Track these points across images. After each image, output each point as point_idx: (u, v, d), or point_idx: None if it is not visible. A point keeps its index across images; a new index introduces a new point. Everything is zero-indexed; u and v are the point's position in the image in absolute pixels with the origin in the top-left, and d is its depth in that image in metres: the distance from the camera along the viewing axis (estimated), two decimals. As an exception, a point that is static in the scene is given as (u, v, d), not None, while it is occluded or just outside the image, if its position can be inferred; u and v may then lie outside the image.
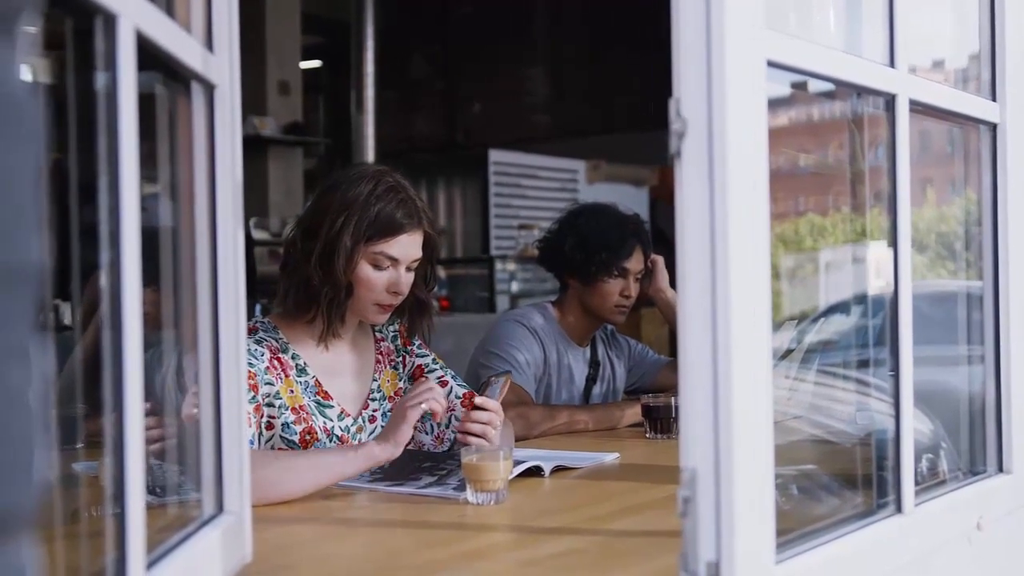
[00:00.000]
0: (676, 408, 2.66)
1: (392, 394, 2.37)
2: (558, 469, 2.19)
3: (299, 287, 2.21)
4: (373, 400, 2.34)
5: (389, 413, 2.31)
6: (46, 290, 0.59)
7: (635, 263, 3.03)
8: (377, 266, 2.20)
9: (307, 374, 2.24)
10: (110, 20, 1.00)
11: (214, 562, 1.30)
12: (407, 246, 2.22)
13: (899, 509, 1.52)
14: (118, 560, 1.02)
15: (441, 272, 7.62)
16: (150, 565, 1.09)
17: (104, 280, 1.02)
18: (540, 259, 3.22)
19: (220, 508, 1.38)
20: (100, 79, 1.02)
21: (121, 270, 1.01)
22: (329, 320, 2.23)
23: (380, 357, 2.39)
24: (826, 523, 1.43)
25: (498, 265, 7.50)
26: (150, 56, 1.12)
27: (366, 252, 2.19)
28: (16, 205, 0.54)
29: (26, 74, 0.56)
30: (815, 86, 1.57)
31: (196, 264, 1.37)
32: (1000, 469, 1.82)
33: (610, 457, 2.36)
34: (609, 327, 3.22)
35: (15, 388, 0.53)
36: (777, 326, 1.29)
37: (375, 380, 2.36)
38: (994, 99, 1.82)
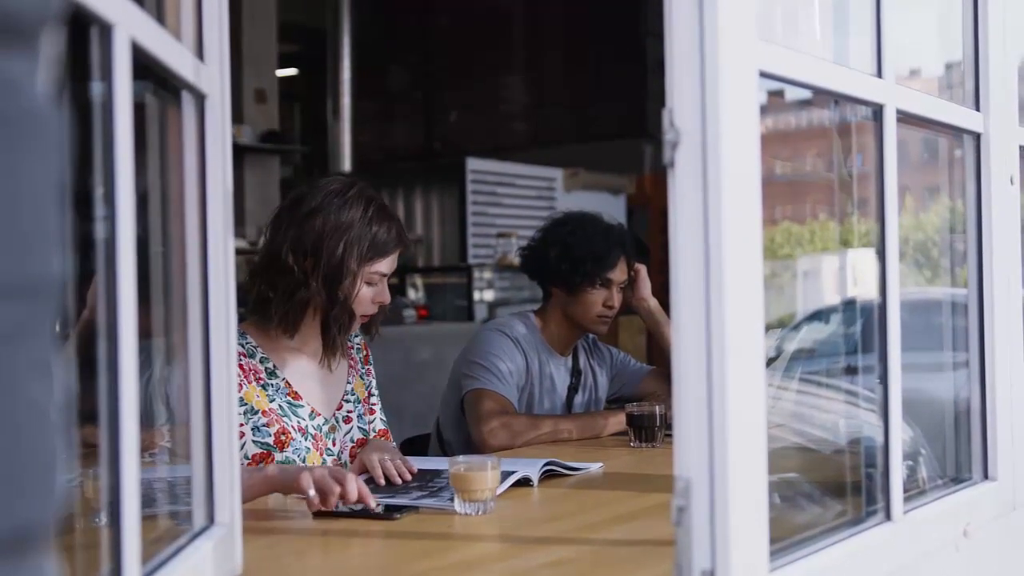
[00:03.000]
0: (660, 417, 2.67)
1: (362, 399, 2.47)
2: (548, 475, 2.19)
3: (300, 307, 2.27)
4: (348, 401, 2.42)
5: (363, 416, 2.44)
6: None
7: (619, 274, 3.04)
8: (370, 283, 2.31)
9: (277, 376, 2.30)
10: (106, 29, 1.00)
11: (206, 574, 1.29)
12: (394, 261, 2.35)
13: (888, 517, 1.53)
14: (113, 572, 1.01)
15: (418, 281, 7.61)
16: (144, 578, 1.09)
17: (99, 290, 1.02)
18: (523, 267, 3.22)
19: (211, 520, 1.37)
20: (95, 88, 1.02)
21: (117, 280, 1.01)
22: (338, 341, 2.32)
23: (352, 363, 2.48)
24: (818, 531, 1.43)
25: (476, 273, 7.48)
26: (141, 65, 1.11)
27: (365, 273, 2.29)
28: (41, 219, 0.53)
29: (48, 87, 0.56)
30: (791, 94, 1.58)
31: (186, 274, 1.36)
32: (985, 476, 1.84)
33: (595, 467, 2.36)
34: (591, 336, 3.22)
35: (39, 402, 0.53)
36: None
37: (349, 383, 2.44)
38: (978, 109, 1.83)
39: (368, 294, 2.31)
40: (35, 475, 0.53)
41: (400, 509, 1.88)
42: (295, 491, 1.88)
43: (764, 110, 1.54)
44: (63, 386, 0.56)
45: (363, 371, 2.51)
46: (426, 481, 2.14)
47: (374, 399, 2.53)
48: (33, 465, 0.53)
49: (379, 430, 2.48)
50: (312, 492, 1.82)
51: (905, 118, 1.60)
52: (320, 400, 2.36)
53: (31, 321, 0.53)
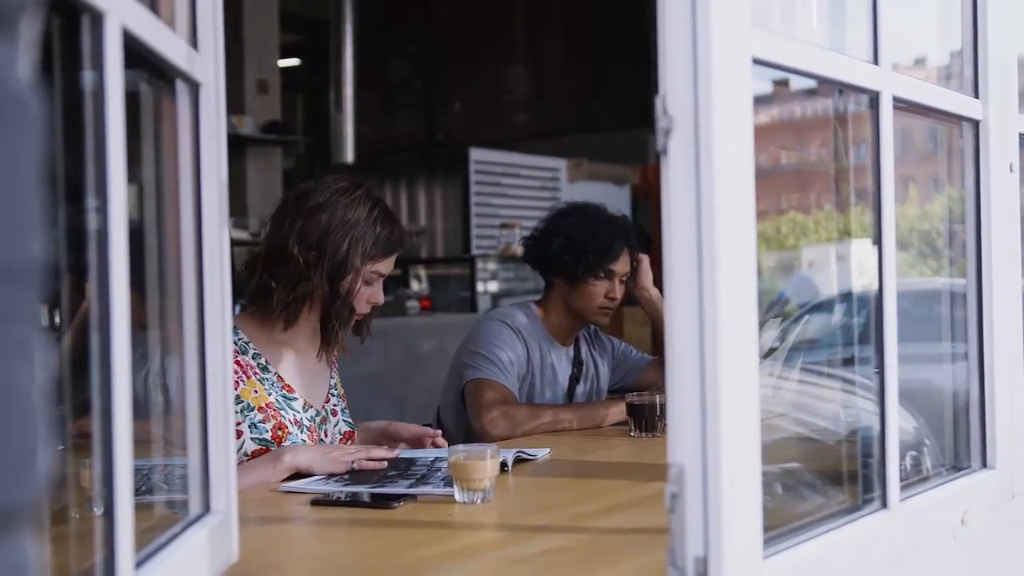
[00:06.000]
0: (660, 406, 2.67)
1: (342, 395, 2.52)
2: (520, 460, 2.25)
3: (301, 300, 2.30)
4: (333, 395, 2.47)
5: (345, 410, 2.49)
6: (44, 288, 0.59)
7: (622, 265, 3.03)
8: (367, 282, 2.34)
9: (270, 371, 2.32)
10: (97, 18, 1.00)
11: (201, 562, 1.29)
12: (392, 263, 2.39)
13: (884, 504, 1.53)
14: (107, 559, 1.01)
15: (422, 272, 7.62)
16: (138, 565, 1.09)
17: (91, 281, 1.02)
18: (526, 257, 3.22)
19: (207, 508, 1.37)
20: (86, 77, 1.02)
21: (109, 271, 1.01)
22: (339, 336, 2.35)
23: (333, 360, 2.52)
24: (813, 518, 1.43)
25: (479, 264, 7.47)
26: (134, 54, 1.11)
27: (366, 271, 2.32)
28: (22, 202, 0.54)
29: (28, 72, 0.56)
30: (797, 84, 1.58)
31: (181, 264, 1.36)
32: (984, 464, 1.84)
33: (542, 452, 2.39)
34: (592, 326, 3.22)
35: (20, 384, 0.53)
36: (760, 324, 1.30)
37: (332, 378, 2.49)
38: (976, 96, 1.83)
39: (364, 293, 2.34)
40: (16, 456, 0.53)
41: (398, 498, 1.89)
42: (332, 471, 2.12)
43: (769, 99, 1.54)
44: (46, 369, 0.56)
45: (337, 369, 2.56)
46: (404, 469, 2.14)
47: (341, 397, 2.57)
48: (14, 446, 0.53)
49: (344, 431, 2.49)
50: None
51: (902, 106, 1.60)
52: (310, 393, 2.40)
53: (12, 304, 0.53)
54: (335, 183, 2.35)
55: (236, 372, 2.23)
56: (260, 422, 2.25)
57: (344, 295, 2.30)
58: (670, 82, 1.19)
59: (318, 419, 2.38)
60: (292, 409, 2.31)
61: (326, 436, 2.39)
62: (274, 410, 2.27)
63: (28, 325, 0.55)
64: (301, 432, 2.30)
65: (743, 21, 1.22)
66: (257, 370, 2.30)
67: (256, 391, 2.27)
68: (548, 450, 2.42)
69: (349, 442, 2.45)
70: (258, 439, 2.24)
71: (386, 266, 2.36)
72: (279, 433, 2.26)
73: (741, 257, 1.20)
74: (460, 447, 1.97)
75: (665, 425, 2.67)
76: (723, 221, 1.17)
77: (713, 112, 1.16)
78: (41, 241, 0.56)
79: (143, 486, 1.39)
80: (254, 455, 2.22)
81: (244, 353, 2.30)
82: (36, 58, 0.57)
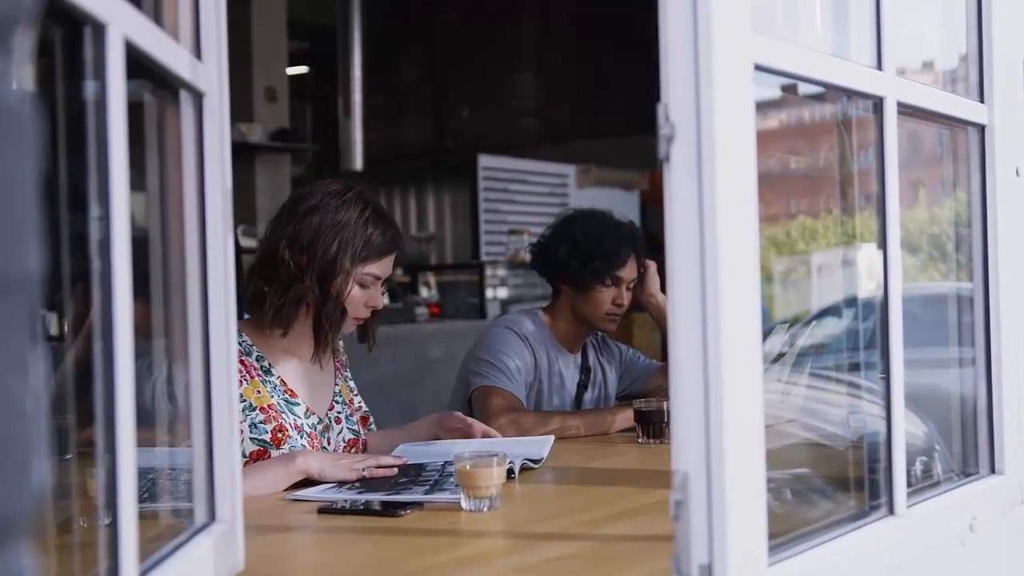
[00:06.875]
0: (668, 412, 2.66)
1: (348, 401, 2.51)
2: (526, 468, 2.24)
3: (294, 303, 2.30)
4: (337, 403, 2.47)
5: (350, 417, 2.48)
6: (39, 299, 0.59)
7: (628, 272, 3.03)
8: (362, 285, 2.33)
9: (273, 375, 2.33)
10: (99, 29, 1.00)
11: (206, 571, 1.30)
12: (389, 265, 2.38)
13: (891, 511, 1.52)
14: (111, 569, 1.01)
15: (431, 278, 7.62)
16: (143, 574, 1.09)
17: (94, 290, 1.02)
18: (533, 264, 3.22)
19: (212, 517, 1.37)
20: (89, 87, 1.02)
21: (112, 280, 1.01)
22: (329, 338, 2.34)
23: (338, 366, 2.52)
24: (819, 525, 1.43)
25: (488, 271, 7.48)
26: (138, 64, 1.12)
27: (357, 273, 2.31)
28: (16, 214, 0.54)
29: (23, 84, 0.56)
30: (805, 88, 1.57)
31: (186, 273, 1.36)
32: (992, 470, 1.83)
33: (547, 443, 2.41)
34: (600, 332, 3.22)
35: (14, 396, 0.53)
36: (769, 329, 1.29)
37: (336, 385, 2.48)
38: (982, 100, 1.82)
39: (360, 296, 2.33)
40: (10, 467, 0.53)
41: (405, 506, 1.88)
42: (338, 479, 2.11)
43: (778, 104, 1.54)
44: (43, 381, 0.56)
45: (346, 375, 2.56)
46: (415, 476, 2.14)
47: (358, 399, 2.56)
48: (9, 458, 0.53)
49: (348, 440, 2.48)
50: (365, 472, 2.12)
51: (907, 111, 1.60)
52: (314, 400, 2.39)
53: (7, 315, 0.53)
54: (328, 187, 2.36)
55: (239, 371, 2.24)
56: (261, 422, 2.25)
57: (335, 297, 2.29)
58: (672, 89, 1.19)
59: (320, 426, 2.38)
60: (293, 414, 2.31)
61: (329, 444, 2.39)
62: (275, 412, 2.28)
63: (24, 337, 0.55)
64: (301, 437, 2.30)
65: (744, 27, 1.22)
66: (260, 372, 2.31)
67: (259, 391, 2.28)
68: (551, 438, 2.44)
69: (353, 450, 2.45)
70: (257, 439, 2.24)
71: (380, 268, 2.34)
72: (279, 436, 2.26)
73: (744, 263, 1.20)
74: (466, 454, 1.96)
75: (673, 431, 2.69)
76: (725, 227, 1.17)
77: (715, 119, 1.16)
78: (37, 254, 0.56)
79: (146, 492, 1.39)
80: (252, 456, 2.22)
81: (248, 355, 2.31)
82: (33, 70, 0.58)
